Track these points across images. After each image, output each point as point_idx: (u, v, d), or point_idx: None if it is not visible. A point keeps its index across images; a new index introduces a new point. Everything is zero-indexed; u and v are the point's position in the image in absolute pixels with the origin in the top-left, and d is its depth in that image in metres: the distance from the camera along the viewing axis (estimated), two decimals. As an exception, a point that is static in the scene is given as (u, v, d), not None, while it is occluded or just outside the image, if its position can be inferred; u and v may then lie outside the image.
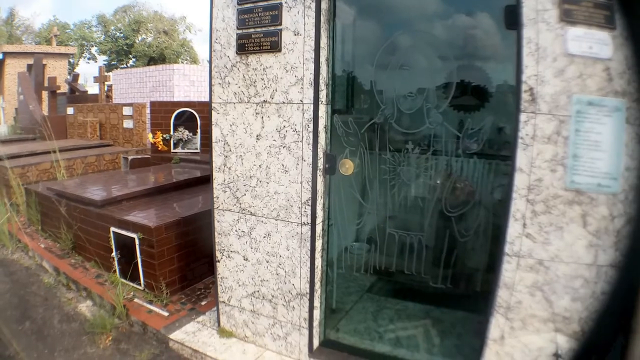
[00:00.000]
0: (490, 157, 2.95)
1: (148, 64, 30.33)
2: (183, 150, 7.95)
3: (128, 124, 10.39)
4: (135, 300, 3.97)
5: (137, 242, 3.97)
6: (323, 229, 2.98)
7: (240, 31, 2.94)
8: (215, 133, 3.12)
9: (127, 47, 37.59)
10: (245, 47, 2.92)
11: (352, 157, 2.98)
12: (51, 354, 3.34)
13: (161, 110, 8.32)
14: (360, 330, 3.27)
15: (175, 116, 8.07)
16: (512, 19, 2.31)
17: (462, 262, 3.06)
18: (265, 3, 2.83)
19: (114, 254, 4.24)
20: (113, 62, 38.01)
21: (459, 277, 3.09)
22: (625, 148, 2.13)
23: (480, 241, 2.91)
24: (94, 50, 39.79)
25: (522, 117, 2.26)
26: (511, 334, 2.43)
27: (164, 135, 7.96)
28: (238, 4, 2.93)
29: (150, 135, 8.11)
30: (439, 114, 2.77)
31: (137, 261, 4.05)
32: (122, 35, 38.24)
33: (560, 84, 2.19)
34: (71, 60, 31.95)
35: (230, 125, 3.05)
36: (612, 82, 2.12)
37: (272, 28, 2.82)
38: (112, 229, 4.21)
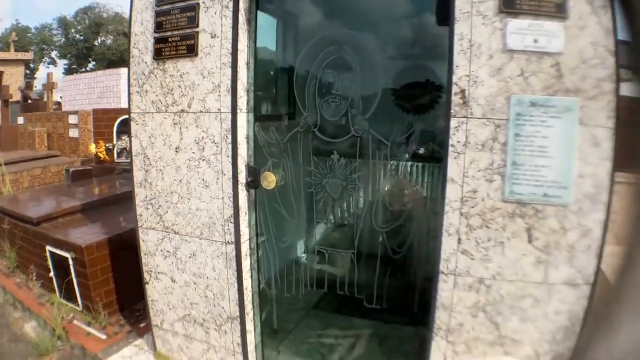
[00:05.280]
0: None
1: (107, 67, 29.54)
2: (127, 160, 7.32)
3: (74, 133, 9.91)
4: (75, 322, 3.67)
5: (70, 261, 3.65)
6: (251, 247, 2.65)
7: (157, 35, 2.62)
8: (135, 145, 2.78)
9: (86, 50, 36.61)
10: (162, 51, 2.60)
11: (275, 169, 2.66)
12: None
13: (104, 118, 7.89)
14: (303, 351, 2.97)
15: (119, 124, 7.60)
16: (444, 13, 2.04)
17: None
18: (182, 4, 2.52)
19: (52, 273, 3.95)
20: (73, 66, 37.02)
21: (397, 295, 2.86)
22: (579, 152, 1.87)
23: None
24: (54, 54, 38.72)
25: (453, 122, 1.99)
26: (454, 358, 2.17)
27: (107, 145, 7.49)
28: (156, 5, 2.61)
29: (92, 146, 7.67)
30: (365, 121, 2.45)
31: (73, 282, 3.76)
32: (82, 38, 37.21)
33: (497, 84, 1.92)
34: (31, 65, 31.03)
35: (149, 137, 2.72)
36: (563, 78, 1.86)
37: (189, 30, 2.51)
38: (48, 247, 3.87)
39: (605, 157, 1.87)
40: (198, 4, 2.50)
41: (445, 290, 2.12)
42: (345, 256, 2.77)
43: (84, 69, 35.75)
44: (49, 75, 14.51)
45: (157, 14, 2.63)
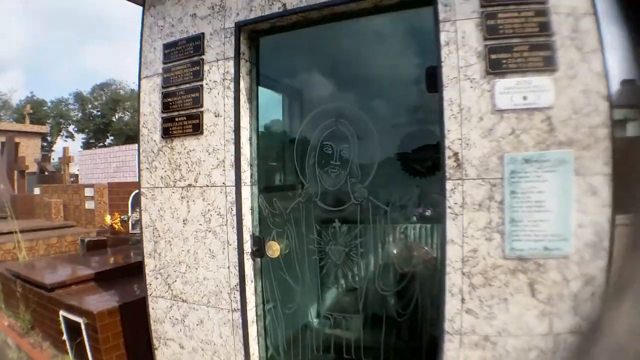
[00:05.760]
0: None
1: (125, 142, 30.15)
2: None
3: (90, 204, 10.25)
4: (86, 384, 3.73)
5: (83, 327, 3.75)
6: (257, 314, 2.70)
7: (165, 115, 2.78)
8: (145, 218, 2.90)
9: (104, 125, 37.50)
10: (169, 130, 2.76)
11: (279, 238, 2.74)
12: None
13: (119, 192, 8.29)
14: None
15: (134, 196, 7.74)
16: (433, 81, 2.13)
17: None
18: (187, 85, 2.70)
19: (64, 336, 4.02)
20: (91, 141, 37.82)
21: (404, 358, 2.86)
22: (577, 203, 1.89)
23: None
24: (71, 128, 39.78)
25: (449, 185, 2.07)
26: (465, 419, 2.13)
27: (122, 217, 7.66)
28: (162, 87, 2.79)
29: (107, 217, 7.85)
30: (364, 188, 2.53)
31: (85, 345, 3.84)
32: (99, 113, 38.21)
33: (489, 144, 2.00)
34: (48, 138, 31.78)
35: (159, 211, 2.83)
36: (555, 132, 1.91)
37: (194, 110, 2.67)
38: (61, 312, 3.94)
39: (604, 204, 1.88)
40: (202, 85, 2.66)
41: (451, 350, 2.12)
42: (351, 320, 2.79)
43: (102, 144, 36.55)
44: (65, 149, 15.14)
45: (164, 95, 2.80)
